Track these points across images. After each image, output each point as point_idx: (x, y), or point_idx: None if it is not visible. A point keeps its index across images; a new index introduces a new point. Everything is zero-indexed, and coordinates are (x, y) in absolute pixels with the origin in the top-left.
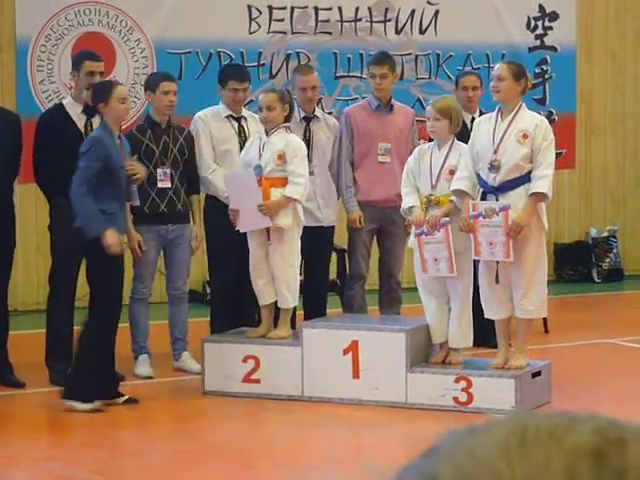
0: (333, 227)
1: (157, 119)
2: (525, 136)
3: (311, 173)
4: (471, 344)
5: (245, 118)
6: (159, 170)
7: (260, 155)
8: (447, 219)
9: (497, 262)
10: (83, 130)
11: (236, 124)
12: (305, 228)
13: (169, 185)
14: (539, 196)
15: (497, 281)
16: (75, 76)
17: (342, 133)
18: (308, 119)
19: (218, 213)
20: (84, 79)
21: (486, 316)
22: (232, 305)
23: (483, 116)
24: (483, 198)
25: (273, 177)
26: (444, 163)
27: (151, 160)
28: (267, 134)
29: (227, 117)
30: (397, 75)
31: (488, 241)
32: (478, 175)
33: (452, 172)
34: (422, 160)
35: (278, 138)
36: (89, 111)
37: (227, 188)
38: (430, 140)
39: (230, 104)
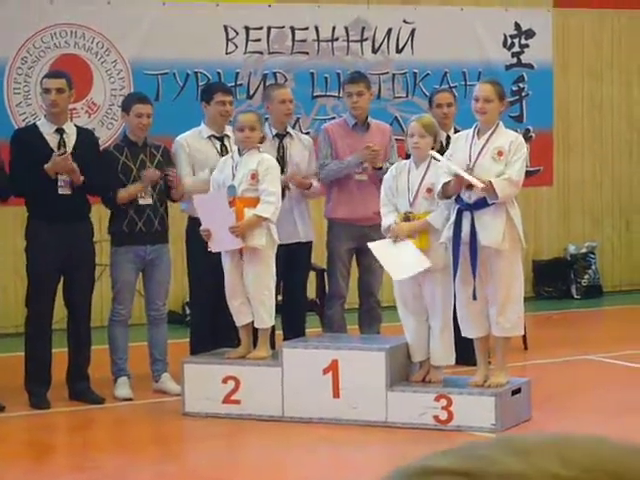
0: (310, 243)
1: (133, 139)
2: (500, 153)
3: (287, 187)
4: (453, 362)
5: (228, 137)
6: None
7: (233, 176)
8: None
9: (474, 279)
10: (55, 149)
11: (218, 143)
12: (282, 246)
13: (150, 202)
14: (487, 190)
15: (474, 297)
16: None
17: (320, 146)
18: (281, 136)
19: (199, 234)
20: (43, 97)
21: (463, 334)
22: (212, 326)
23: (460, 132)
24: (459, 214)
25: (246, 197)
26: (422, 181)
27: (129, 178)
28: (240, 154)
29: (209, 137)
30: (373, 93)
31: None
32: None
33: (430, 190)
34: (400, 177)
35: (251, 158)
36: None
37: (198, 209)
38: (406, 158)
39: (217, 119)
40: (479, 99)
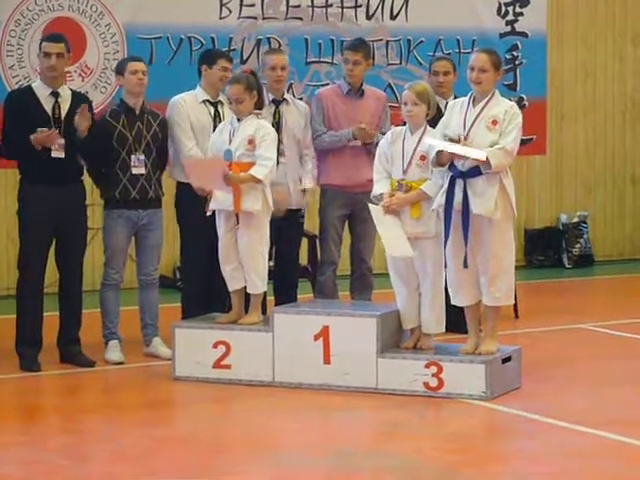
0: (303, 210)
1: (130, 103)
2: (495, 122)
3: (281, 153)
4: (444, 330)
5: (222, 103)
6: (133, 156)
7: (230, 140)
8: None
9: (465, 246)
10: (50, 112)
11: (212, 109)
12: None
13: (143, 171)
14: (482, 162)
15: (465, 265)
16: (39, 59)
17: (314, 113)
18: (277, 102)
19: (189, 198)
20: (42, 60)
21: (452, 302)
22: (204, 290)
23: (456, 100)
24: (452, 183)
25: (243, 162)
26: (416, 148)
27: (124, 146)
28: (238, 120)
29: (204, 102)
30: (370, 63)
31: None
32: None
33: (423, 158)
34: (395, 144)
35: (248, 124)
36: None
37: (189, 171)
38: (402, 124)
39: (217, 84)
40: (474, 69)
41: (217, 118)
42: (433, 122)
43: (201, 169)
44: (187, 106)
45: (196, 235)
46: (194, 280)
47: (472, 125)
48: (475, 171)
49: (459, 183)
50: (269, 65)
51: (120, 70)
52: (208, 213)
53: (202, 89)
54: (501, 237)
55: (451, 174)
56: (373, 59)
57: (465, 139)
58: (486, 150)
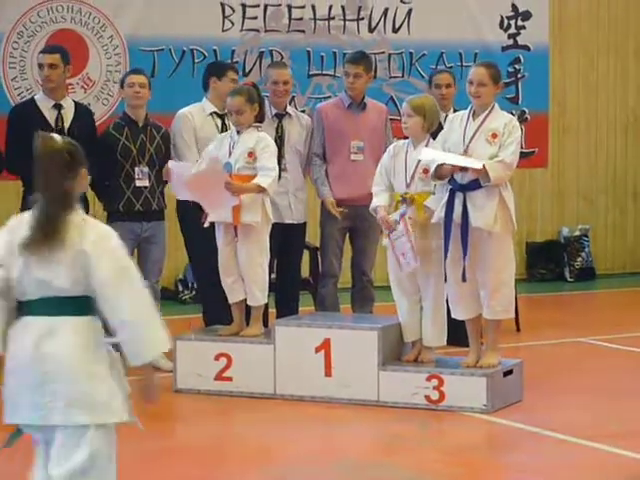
0: (305, 224)
1: (133, 116)
2: (494, 135)
3: (283, 169)
4: (445, 343)
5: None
6: (137, 169)
7: (230, 153)
8: (404, 209)
9: (464, 259)
10: (53, 124)
11: (219, 121)
12: (277, 225)
13: (147, 184)
14: (480, 172)
15: (464, 279)
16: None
17: (314, 132)
18: (280, 116)
19: (192, 210)
20: (38, 72)
21: (453, 316)
22: (222, 295)
23: (456, 113)
24: (451, 196)
25: (242, 175)
26: (419, 161)
27: (128, 158)
28: (238, 133)
29: (211, 114)
30: (371, 76)
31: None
32: None
33: (426, 171)
34: (397, 157)
35: (248, 136)
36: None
37: (188, 185)
38: (405, 138)
39: (224, 96)
40: (473, 83)
41: (224, 130)
42: (436, 136)
43: (203, 182)
44: (194, 120)
45: (204, 243)
46: (211, 288)
47: (472, 138)
48: (475, 184)
49: (459, 196)
50: (272, 79)
51: (121, 83)
52: (206, 225)
53: (209, 101)
54: (500, 250)
55: (450, 187)
56: (375, 72)
57: (465, 152)
58: (485, 162)
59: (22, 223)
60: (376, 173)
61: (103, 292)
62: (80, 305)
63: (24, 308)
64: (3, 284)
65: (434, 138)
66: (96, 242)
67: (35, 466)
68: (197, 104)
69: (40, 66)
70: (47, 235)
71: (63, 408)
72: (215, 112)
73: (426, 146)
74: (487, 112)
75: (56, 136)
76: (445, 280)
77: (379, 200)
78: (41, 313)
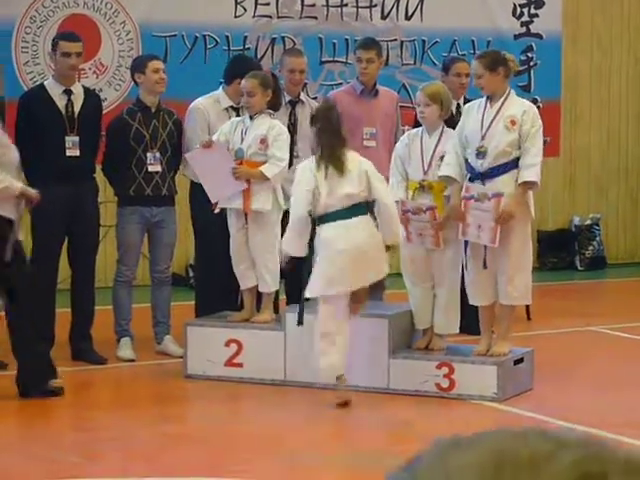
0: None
1: (147, 101)
2: (513, 122)
3: (296, 156)
4: (457, 331)
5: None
6: (149, 154)
7: (242, 139)
8: (431, 204)
9: (485, 248)
10: (63, 110)
11: (234, 114)
12: (288, 211)
13: (158, 169)
14: (529, 184)
15: (485, 266)
16: (53, 57)
17: None
18: (293, 103)
19: (203, 196)
20: (60, 60)
21: (470, 302)
22: (218, 288)
23: (473, 102)
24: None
25: (254, 161)
26: (436, 149)
27: (140, 144)
28: (250, 119)
29: (227, 108)
30: (383, 61)
31: (477, 224)
32: (466, 160)
33: (443, 158)
34: (412, 145)
35: (261, 123)
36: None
37: (194, 166)
38: (416, 126)
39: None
40: (472, 76)
41: None
42: (445, 123)
43: (206, 159)
44: (209, 116)
45: (211, 232)
46: (209, 278)
47: (490, 124)
48: (493, 172)
49: (477, 184)
50: (288, 67)
51: (140, 68)
52: (216, 211)
53: (226, 94)
54: (519, 237)
55: (469, 175)
56: (387, 59)
57: (483, 139)
58: (528, 174)
59: None
60: (391, 162)
61: None
62: None
63: None
64: None
65: (448, 126)
66: None
67: None
68: (211, 95)
69: (66, 54)
70: None
71: None
72: (232, 106)
73: (441, 134)
74: (504, 98)
75: None
76: (466, 267)
77: (398, 193)
78: None
